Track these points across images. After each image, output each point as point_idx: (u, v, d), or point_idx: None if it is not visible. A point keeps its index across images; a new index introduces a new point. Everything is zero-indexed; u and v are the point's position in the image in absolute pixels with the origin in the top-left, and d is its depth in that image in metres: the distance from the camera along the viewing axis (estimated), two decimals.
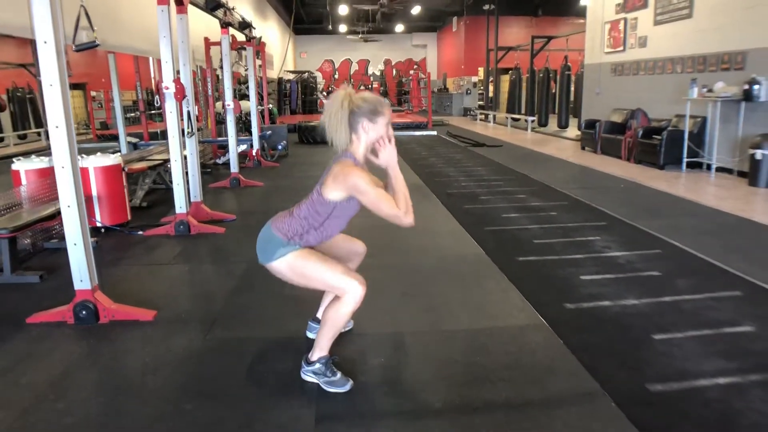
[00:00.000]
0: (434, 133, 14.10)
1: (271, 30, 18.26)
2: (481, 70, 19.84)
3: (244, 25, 7.49)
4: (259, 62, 10.79)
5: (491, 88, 18.33)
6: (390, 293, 3.23)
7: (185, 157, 4.90)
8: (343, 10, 19.28)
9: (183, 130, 4.66)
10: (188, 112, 4.50)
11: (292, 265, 2.17)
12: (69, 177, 2.72)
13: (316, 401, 2.15)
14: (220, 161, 9.00)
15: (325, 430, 1.97)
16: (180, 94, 4.32)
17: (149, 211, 5.66)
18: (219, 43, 8.47)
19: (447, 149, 10.93)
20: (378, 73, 26.34)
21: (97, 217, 4.62)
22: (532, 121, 13.86)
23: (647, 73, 8.71)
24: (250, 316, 2.99)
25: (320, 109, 21.33)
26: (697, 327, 2.75)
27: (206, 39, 8.66)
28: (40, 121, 12.90)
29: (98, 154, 4.70)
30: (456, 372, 2.35)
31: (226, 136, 7.04)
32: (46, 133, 11.68)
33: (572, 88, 13.19)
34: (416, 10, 20.07)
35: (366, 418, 2.04)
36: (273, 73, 18.54)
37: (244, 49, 8.61)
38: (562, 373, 2.32)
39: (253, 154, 8.69)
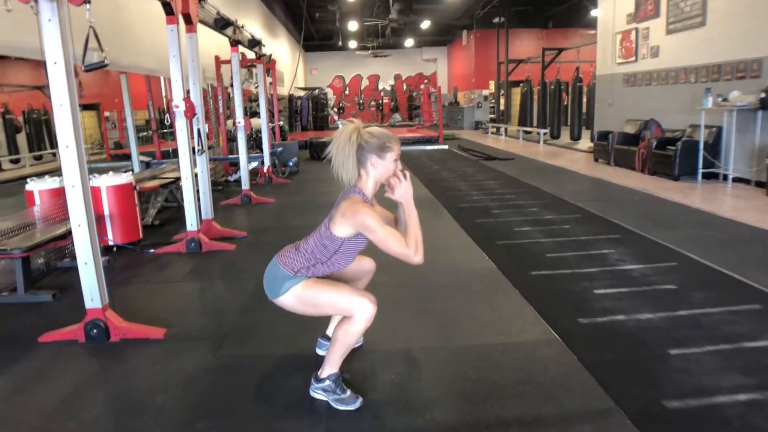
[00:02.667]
0: (445, 147, 14.10)
1: (281, 47, 18.51)
2: (492, 83, 19.88)
3: (254, 43, 7.59)
4: (269, 79, 10.93)
5: (502, 100, 18.34)
6: (401, 309, 3.20)
7: (196, 175, 4.95)
8: (352, 26, 19.50)
9: (193, 148, 4.70)
10: (198, 130, 4.54)
11: (299, 297, 2.17)
12: (79, 196, 2.75)
13: (326, 419, 2.12)
14: (231, 178, 9.06)
15: None
16: (190, 113, 4.38)
17: (161, 228, 5.71)
18: (229, 61, 8.64)
19: (458, 163, 10.91)
20: (389, 88, 26.52)
21: (109, 235, 4.66)
22: (544, 134, 13.81)
23: (660, 83, 8.65)
24: (260, 333, 2.97)
25: (331, 125, 21.52)
26: (714, 341, 2.68)
27: (217, 57, 8.78)
28: (55, 142, 13.17)
29: (110, 173, 4.75)
30: (467, 388, 2.30)
31: (238, 153, 7.10)
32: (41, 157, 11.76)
33: (584, 100, 13.14)
34: (426, 24, 20.23)
35: None
36: (284, 90, 18.75)
37: (255, 66, 8.70)
38: (576, 390, 2.26)
39: (265, 170, 8.75)
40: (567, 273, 3.82)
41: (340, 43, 22.26)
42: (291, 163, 9.38)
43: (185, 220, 4.65)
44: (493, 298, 3.35)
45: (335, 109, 21.76)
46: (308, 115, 20.88)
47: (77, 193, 2.75)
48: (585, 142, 12.07)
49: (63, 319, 3.06)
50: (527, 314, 3.06)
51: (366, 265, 2.57)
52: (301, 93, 21.66)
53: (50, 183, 4.67)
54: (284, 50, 18.92)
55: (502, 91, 18.31)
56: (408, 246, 2.11)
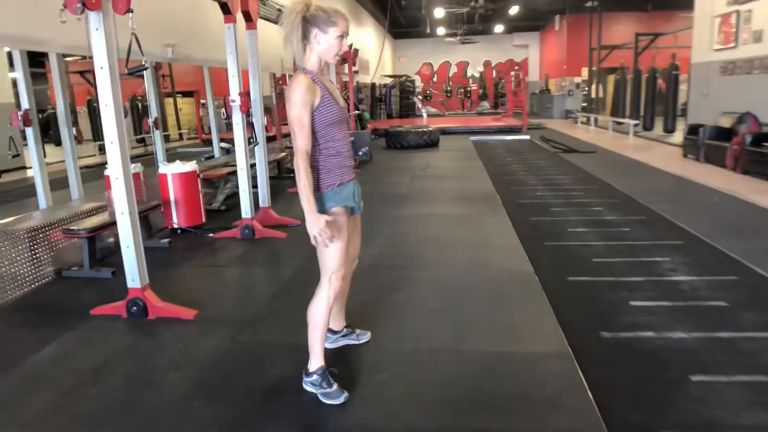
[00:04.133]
0: (527, 137, 13.61)
1: (367, 35, 18.72)
2: (585, 71, 18.79)
3: None
4: (350, 69, 11.16)
5: (595, 89, 17.28)
6: (419, 308, 3.20)
7: (254, 165, 5.22)
8: (439, 13, 19.24)
9: (250, 139, 4.96)
10: (252, 123, 4.77)
11: (332, 222, 2.17)
12: (122, 187, 3.02)
13: (310, 412, 2.20)
14: None
15: None
16: (245, 107, 4.61)
17: (227, 214, 6.08)
18: None
19: (535, 155, 10.51)
20: (477, 75, 25.94)
21: (174, 219, 5.06)
22: (635, 125, 12.86)
23: (762, 71, 7.72)
24: (280, 322, 3.12)
25: (417, 113, 21.53)
26: (749, 371, 2.42)
27: None
28: (162, 126, 14.32)
29: (177, 162, 5.14)
30: (457, 396, 2.27)
31: None
32: (166, 137, 12.80)
33: (682, 89, 12.04)
34: (514, 10, 19.48)
35: None
36: (369, 78, 18.99)
37: None
38: (569, 410, 2.15)
39: None
40: (607, 281, 3.60)
41: (428, 30, 22.07)
42: (360, 153, 9.54)
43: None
44: (518, 303, 3.24)
45: (420, 97, 21.68)
46: (393, 103, 21.04)
47: (120, 185, 3.03)
48: (679, 136, 11.08)
49: (117, 295, 3.39)
50: (547, 324, 2.93)
51: (354, 249, 2.52)
52: (388, 80, 21.82)
53: (181, 167, 5.12)
54: (370, 38, 19.13)
55: (595, 79, 17.24)
56: (302, 147, 2.06)
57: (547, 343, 2.71)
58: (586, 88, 18.56)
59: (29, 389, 2.46)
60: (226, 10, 4.43)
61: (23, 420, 2.23)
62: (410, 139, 12.08)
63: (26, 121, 4.57)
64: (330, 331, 2.71)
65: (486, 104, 24.81)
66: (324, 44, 2.13)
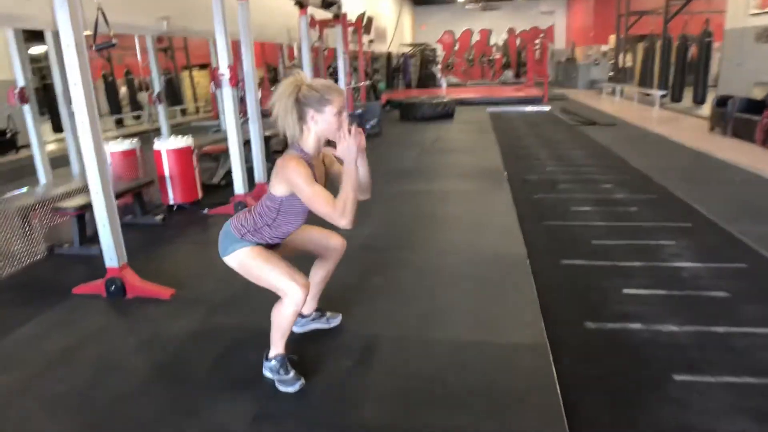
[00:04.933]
0: (547, 109, 13.16)
1: (384, 3, 18.20)
2: (612, 38, 17.97)
3: (328, 4, 7.53)
4: (363, 38, 10.87)
5: (623, 57, 16.55)
6: (396, 293, 3.09)
7: (248, 141, 5.12)
8: None
9: (245, 114, 4.84)
10: (241, 98, 4.65)
11: (241, 262, 2.16)
12: (95, 166, 2.96)
13: (264, 398, 2.14)
14: None
15: (256, 428, 1.97)
16: (234, 80, 4.48)
17: (227, 189, 6.02)
18: (325, 23, 8.68)
19: (552, 128, 10.15)
20: (501, 44, 25.12)
21: (170, 195, 5.02)
22: (662, 96, 12.28)
23: None
24: (254, 304, 3.01)
25: (438, 83, 21.04)
26: (738, 372, 2.26)
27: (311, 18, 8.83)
28: (178, 99, 14.30)
29: (172, 137, 5.08)
30: (417, 388, 2.17)
31: None
32: (182, 111, 12.78)
33: (715, 58, 11.38)
34: None
35: (301, 423, 1.99)
36: (387, 47, 18.57)
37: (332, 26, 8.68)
38: (533, 408, 2.03)
39: None
40: (603, 265, 3.43)
41: None
42: (369, 125, 9.35)
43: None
44: (502, 289, 3.09)
45: (438, 67, 21.12)
46: (412, 73, 20.58)
47: (93, 164, 2.96)
48: (709, 108, 10.53)
49: (103, 273, 3.36)
50: (528, 312, 2.78)
51: (332, 242, 2.47)
52: (407, 50, 21.31)
53: (120, 145, 5.12)
54: (387, 6, 18.59)
55: (622, 47, 16.48)
56: (335, 207, 1.97)
57: (524, 334, 2.57)
58: (614, 57, 17.79)
59: (2, 367, 2.47)
60: None
61: None
62: (424, 111, 11.80)
63: (22, 99, 4.55)
64: (299, 315, 2.64)
65: (509, 74, 24.09)
66: (322, 124, 2.04)
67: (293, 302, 2.07)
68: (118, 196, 4.49)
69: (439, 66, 21.46)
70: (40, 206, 3.97)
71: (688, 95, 11.69)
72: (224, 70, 4.48)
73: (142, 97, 13.72)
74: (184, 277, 3.41)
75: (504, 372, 2.27)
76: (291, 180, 2.00)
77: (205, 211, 4.99)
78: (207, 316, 2.89)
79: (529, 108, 13.46)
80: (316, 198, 1.98)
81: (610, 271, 3.34)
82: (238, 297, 3.14)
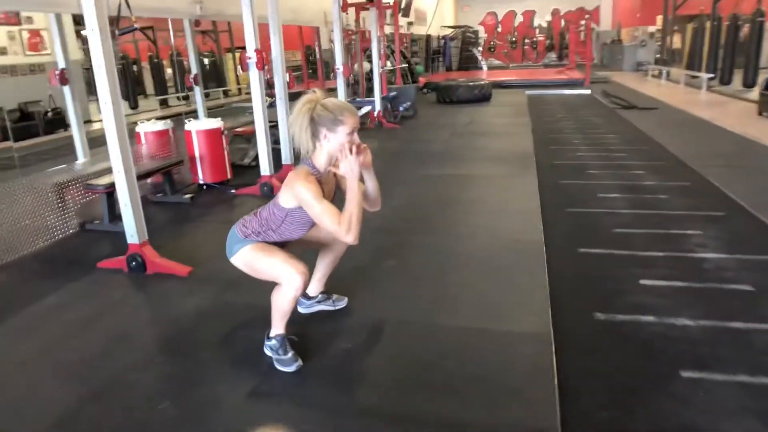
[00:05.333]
0: (588, 92, 12.73)
1: None
2: (659, 19, 17.13)
3: None
4: (401, 21, 10.76)
5: (672, 39, 15.76)
6: (406, 276, 3.10)
7: (275, 124, 5.17)
8: None
9: (271, 96, 4.89)
10: (267, 81, 4.69)
11: (244, 260, 2.23)
12: (117, 147, 3.06)
13: (262, 376, 2.19)
14: None
15: (250, 403, 2.03)
16: (260, 64, 4.53)
17: (256, 170, 6.12)
18: (360, 6, 8.65)
19: (590, 111, 9.82)
20: (545, 25, 24.34)
21: (200, 175, 5.16)
22: (710, 79, 11.66)
23: None
24: (265, 285, 3.07)
25: (479, 65, 20.64)
26: (753, 371, 2.16)
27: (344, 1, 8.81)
28: (221, 81, 14.54)
29: (202, 119, 5.20)
30: (415, 374, 2.18)
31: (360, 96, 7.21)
32: (225, 92, 13.01)
33: None
34: None
35: (294, 402, 2.04)
36: (427, 30, 18.32)
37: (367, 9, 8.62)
38: (527, 400, 2.00)
39: (375, 115, 8.80)
40: (622, 254, 3.32)
41: None
42: (402, 108, 9.29)
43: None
44: (514, 276, 3.05)
45: (479, 49, 20.69)
46: (452, 56, 20.27)
47: (115, 144, 3.07)
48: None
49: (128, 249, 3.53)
50: (537, 300, 2.73)
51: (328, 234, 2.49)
52: (448, 32, 20.95)
53: (154, 125, 5.28)
54: None
55: (670, 28, 15.69)
56: (340, 224, 2.04)
57: (530, 322, 2.53)
58: (661, 38, 16.98)
59: (20, 337, 2.63)
60: None
61: (14, 362, 2.39)
62: (460, 94, 11.63)
63: (63, 80, 4.74)
64: (305, 296, 2.69)
65: (553, 56, 23.37)
66: (334, 142, 2.09)
67: (292, 288, 2.12)
68: (148, 174, 4.68)
69: (480, 48, 20.99)
70: (74, 183, 4.15)
71: (738, 78, 11.07)
72: (251, 54, 4.53)
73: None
74: (203, 255, 3.50)
75: (503, 361, 2.24)
76: (300, 196, 2.06)
77: (233, 191, 5.10)
78: (218, 294, 2.97)
79: (569, 91, 13.06)
80: (323, 215, 2.06)
81: (629, 260, 3.24)
82: (251, 277, 3.20)
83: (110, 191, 4.11)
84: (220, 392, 2.09)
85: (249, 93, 4.82)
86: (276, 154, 5.22)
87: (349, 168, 2.07)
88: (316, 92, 2.15)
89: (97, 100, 2.99)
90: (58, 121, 8.46)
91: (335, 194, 2.30)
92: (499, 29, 25.17)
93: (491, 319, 2.57)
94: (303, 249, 2.46)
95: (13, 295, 3.09)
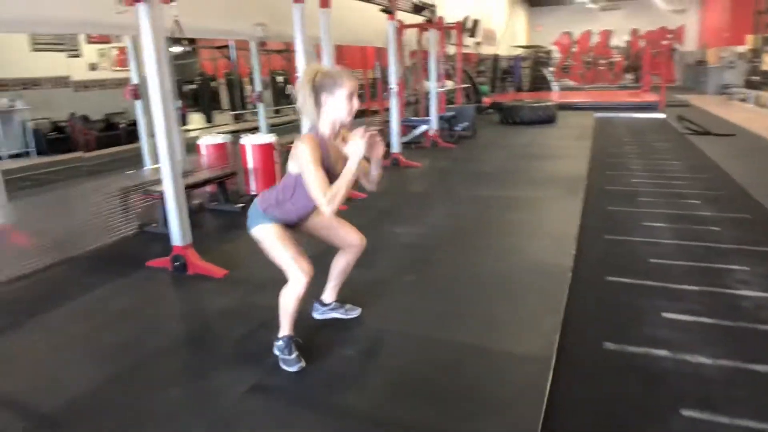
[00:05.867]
0: (662, 116, 12.15)
1: (493, 4, 17.87)
2: (750, 38, 16.04)
3: (419, 8, 7.65)
4: (468, 41, 10.86)
5: (761, 60, 14.71)
6: (420, 291, 3.17)
7: None
8: None
9: None
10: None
11: (262, 237, 2.35)
12: (166, 157, 3.38)
13: (266, 373, 2.34)
14: (403, 140, 9.44)
15: (247, 397, 2.19)
16: None
17: None
18: (415, 26, 8.85)
19: (659, 136, 9.39)
20: (623, 45, 23.50)
21: (252, 185, 5.48)
22: None
23: None
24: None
25: (550, 86, 20.28)
26: (764, 416, 2.03)
27: (400, 22, 9.03)
28: (291, 99, 15.17)
29: (256, 134, 5.54)
30: (406, 383, 2.25)
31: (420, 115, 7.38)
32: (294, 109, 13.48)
33: None
34: None
35: (289, 400, 2.17)
36: (497, 49, 18.26)
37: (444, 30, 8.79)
38: (510, 417, 2.01)
39: (430, 134, 8.90)
40: (651, 285, 3.21)
41: None
42: (458, 128, 9.32)
43: None
44: (530, 299, 3.03)
45: (551, 69, 20.28)
46: (523, 76, 20.01)
47: (165, 155, 3.38)
48: None
49: None
50: (547, 324, 2.70)
51: (351, 239, 2.60)
52: (519, 51, 20.75)
53: (213, 138, 5.69)
54: (498, 7, 18.23)
55: (763, 48, 14.65)
56: (324, 194, 2.12)
57: (534, 345, 2.53)
58: (754, 59, 15.87)
59: (69, 321, 2.96)
60: None
61: (54, 344, 2.71)
62: (523, 115, 11.49)
63: (135, 95, 5.26)
64: (320, 302, 2.83)
65: (630, 77, 22.48)
66: (334, 106, 2.22)
67: (296, 285, 2.27)
68: (203, 184, 5.05)
69: (552, 69, 20.59)
70: (136, 189, 4.57)
71: None
72: (300, 74, 4.79)
73: (266, 95, 14.78)
74: (241, 260, 3.75)
75: (496, 379, 2.27)
76: (298, 156, 2.17)
77: None
78: (246, 296, 3.18)
79: (642, 115, 12.52)
80: (313, 180, 2.14)
81: (657, 292, 3.12)
82: (276, 281, 3.33)
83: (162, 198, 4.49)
84: (224, 384, 2.27)
85: None
86: None
87: (355, 149, 2.15)
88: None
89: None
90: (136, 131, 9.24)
91: (343, 162, 2.33)
92: (574, 49, 24.58)
93: (495, 339, 2.59)
94: (314, 242, 2.57)
95: (72, 285, 3.46)
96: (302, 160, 2.16)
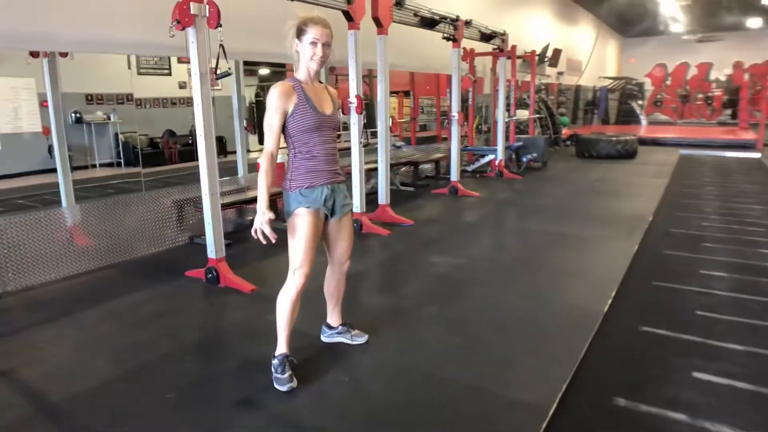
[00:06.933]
0: (757, 155, 11.15)
1: (581, 34, 17.37)
2: None
3: (488, 36, 7.60)
4: (533, 70, 10.66)
5: None
6: (435, 325, 3.09)
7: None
8: (675, 6, 16.76)
9: (371, 136, 5.23)
10: (364, 124, 5.03)
11: (291, 220, 2.41)
12: (206, 174, 3.59)
13: (259, 388, 2.39)
14: (470, 168, 9.36)
15: (233, 409, 2.24)
16: (359, 108, 4.90)
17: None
18: (487, 54, 8.83)
19: (746, 177, 8.62)
20: (723, 79, 21.88)
21: None
22: None
23: None
24: (310, 308, 3.26)
25: (639, 119, 19.35)
26: None
27: (470, 50, 9.03)
28: (371, 123, 15.59)
29: None
30: (386, 414, 2.21)
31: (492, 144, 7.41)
32: (372, 132, 13.88)
33: None
34: None
35: (269, 415, 2.20)
36: (583, 80, 17.70)
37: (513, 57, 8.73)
38: None
39: (496, 164, 8.75)
40: (688, 340, 2.92)
41: (661, 27, 19.46)
42: (525, 159, 9.09)
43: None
44: (548, 343, 2.85)
45: (639, 102, 19.29)
46: (610, 108, 19.22)
47: (205, 172, 3.60)
48: None
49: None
50: (557, 372, 2.52)
51: (338, 254, 2.66)
52: (607, 83, 19.98)
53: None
54: (583, 36, 17.69)
55: None
56: (268, 151, 2.31)
57: (536, 392, 2.37)
58: None
59: (102, 319, 3.20)
60: (349, 18, 4.76)
61: (79, 340, 2.93)
62: (600, 148, 11.01)
63: None
64: (327, 325, 2.85)
65: (729, 113, 20.83)
66: (301, 51, 2.34)
67: (290, 285, 2.39)
68: (251, 201, 5.27)
69: (641, 102, 19.59)
70: (189, 202, 4.87)
71: None
72: (353, 99, 4.92)
73: (345, 118, 15.29)
74: (272, 277, 3.85)
75: (484, 425, 2.15)
76: (267, 101, 2.30)
77: None
78: (264, 312, 3.24)
79: (734, 153, 11.57)
80: (269, 128, 2.29)
81: (694, 348, 2.83)
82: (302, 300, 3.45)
83: None
84: (217, 394, 2.35)
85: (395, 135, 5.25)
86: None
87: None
88: (306, 14, 2.34)
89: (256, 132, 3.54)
90: (218, 146, 9.86)
91: (334, 106, 2.45)
92: (668, 82, 23.24)
93: (497, 382, 2.46)
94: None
95: (112, 287, 3.74)
96: (267, 104, 2.29)
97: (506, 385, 2.43)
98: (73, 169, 8.43)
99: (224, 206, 4.71)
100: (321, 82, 2.49)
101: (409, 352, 2.76)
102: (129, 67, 9.12)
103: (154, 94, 9.67)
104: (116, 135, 9.01)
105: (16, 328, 3.08)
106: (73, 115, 8.65)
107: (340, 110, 5.12)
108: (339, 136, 2.74)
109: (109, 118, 8.91)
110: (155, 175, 8.41)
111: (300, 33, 2.31)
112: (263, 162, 2.30)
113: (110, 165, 9.07)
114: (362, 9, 4.78)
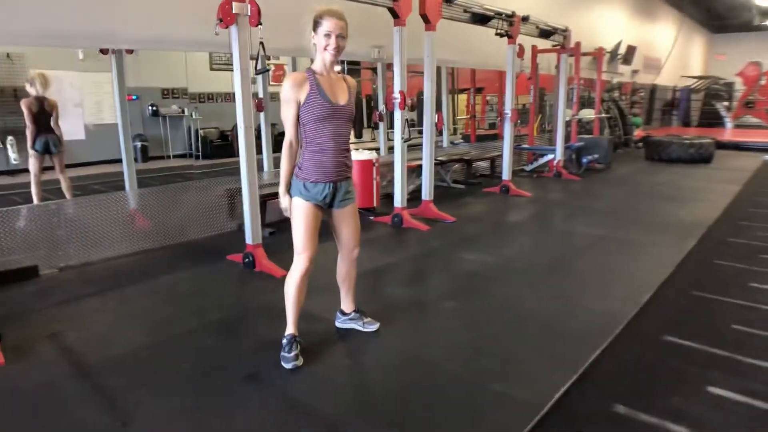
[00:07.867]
0: None
1: (662, 31, 16.37)
2: None
3: (548, 33, 7.41)
4: (577, 66, 10.24)
5: None
6: (450, 319, 3.14)
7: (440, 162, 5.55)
8: None
9: (411, 130, 5.29)
10: (406, 120, 5.10)
11: (292, 208, 2.55)
12: (245, 167, 3.81)
13: (268, 365, 2.55)
14: (528, 168, 9.18)
15: (239, 382, 2.41)
16: (403, 104, 4.98)
17: (409, 203, 6.54)
18: (550, 51, 8.63)
19: None
20: None
21: None
22: None
23: None
24: (334, 298, 3.35)
25: (724, 122, 17.99)
26: None
27: (534, 47, 8.84)
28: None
29: (359, 150, 5.88)
30: (380, 401, 2.31)
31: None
32: (419, 131, 14.02)
33: None
34: None
35: (271, 389, 2.35)
36: (661, 79, 16.74)
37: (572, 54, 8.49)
38: None
39: (554, 164, 8.52)
40: (713, 354, 2.77)
41: (755, 22, 17.97)
42: (585, 160, 8.77)
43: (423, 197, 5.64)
44: (560, 345, 2.81)
45: (725, 104, 17.92)
46: (689, 109, 18.04)
47: (244, 165, 3.82)
48: None
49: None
50: (560, 374, 2.48)
51: (345, 241, 2.78)
52: (690, 82, 18.74)
53: (359, 154, 6.06)
54: (663, 33, 16.64)
55: None
56: (288, 139, 2.48)
57: (534, 392, 2.37)
58: None
59: (143, 295, 3.52)
60: (394, 14, 4.84)
61: (120, 313, 3.24)
62: (671, 152, 10.41)
63: (259, 107, 5.96)
64: (341, 311, 2.97)
65: None
66: (318, 43, 2.46)
67: (294, 270, 2.54)
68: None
69: (726, 103, 18.20)
70: (239, 192, 5.15)
71: None
72: (397, 95, 5.01)
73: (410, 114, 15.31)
74: None
75: (476, 417, 2.19)
76: (281, 92, 2.44)
77: (371, 217, 5.63)
78: None
79: None
80: (284, 119, 2.46)
81: (718, 362, 2.68)
82: (328, 289, 3.50)
83: (262, 201, 5.00)
84: (228, 368, 2.54)
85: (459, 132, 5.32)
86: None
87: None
88: (321, 6, 2.44)
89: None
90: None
91: (349, 96, 2.54)
92: (763, 82, 21.37)
93: (499, 379, 2.47)
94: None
95: (159, 267, 4.07)
96: (281, 95, 2.42)
97: (504, 382, 2.44)
98: (149, 159, 9.16)
99: (268, 197, 4.94)
100: (340, 73, 2.60)
101: (418, 344, 2.83)
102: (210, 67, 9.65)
103: (226, 89, 10.21)
104: (188, 128, 9.62)
105: (70, 297, 3.44)
106: (149, 108, 9.35)
107: (385, 104, 5.25)
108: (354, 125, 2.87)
109: (183, 112, 9.53)
110: (222, 166, 8.90)
111: (316, 25, 2.42)
112: (284, 150, 2.50)
113: (183, 156, 9.72)
114: (409, 6, 4.85)
